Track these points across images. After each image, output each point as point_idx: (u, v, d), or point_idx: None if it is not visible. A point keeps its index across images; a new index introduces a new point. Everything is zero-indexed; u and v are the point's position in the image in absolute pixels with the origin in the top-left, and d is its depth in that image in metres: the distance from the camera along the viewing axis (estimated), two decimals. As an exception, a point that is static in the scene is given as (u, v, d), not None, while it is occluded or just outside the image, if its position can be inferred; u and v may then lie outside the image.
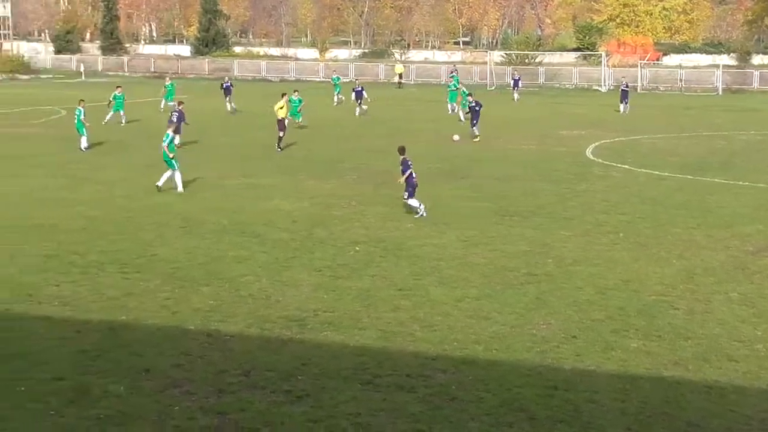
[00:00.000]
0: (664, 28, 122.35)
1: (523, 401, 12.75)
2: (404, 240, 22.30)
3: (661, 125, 51.58)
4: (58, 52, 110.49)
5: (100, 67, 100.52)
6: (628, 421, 12.24)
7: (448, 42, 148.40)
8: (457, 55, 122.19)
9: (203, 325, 15.88)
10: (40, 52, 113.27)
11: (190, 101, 55.79)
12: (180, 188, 28.22)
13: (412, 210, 25.02)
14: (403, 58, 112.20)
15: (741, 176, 32.76)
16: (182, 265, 19.72)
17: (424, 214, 24.67)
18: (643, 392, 13.15)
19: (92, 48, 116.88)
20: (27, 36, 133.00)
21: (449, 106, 55.59)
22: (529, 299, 17.51)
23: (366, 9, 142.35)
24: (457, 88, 55.06)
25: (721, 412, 12.59)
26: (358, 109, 55.04)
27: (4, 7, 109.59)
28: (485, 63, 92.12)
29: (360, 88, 56.46)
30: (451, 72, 73.58)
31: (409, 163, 25.04)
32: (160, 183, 28.24)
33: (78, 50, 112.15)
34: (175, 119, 37.38)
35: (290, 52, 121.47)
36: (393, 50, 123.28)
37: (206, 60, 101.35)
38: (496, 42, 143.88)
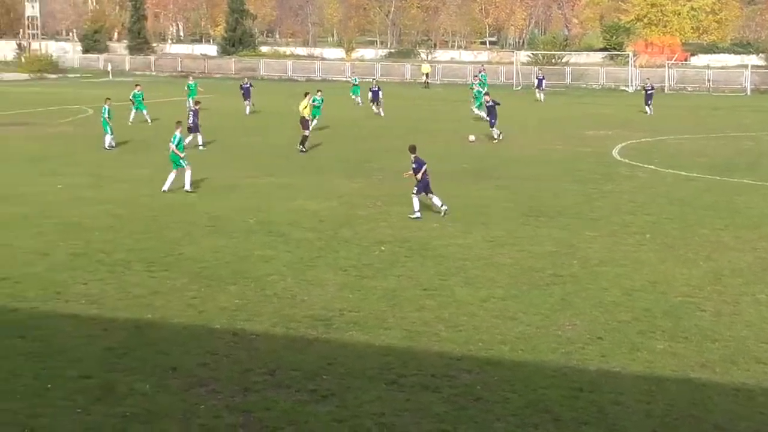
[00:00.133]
0: (692, 28, 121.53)
1: (549, 402, 12.72)
2: (429, 240, 22.30)
3: (689, 126, 51.21)
4: (85, 51, 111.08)
5: (127, 67, 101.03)
6: (653, 423, 12.18)
7: (475, 42, 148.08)
8: (483, 55, 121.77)
9: (229, 324, 15.95)
10: (68, 51, 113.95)
11: (216, 101, 56.15)
12: (188, 186, 28.07)
13: (412, 207, 24.73)
14: (429, 58, 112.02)
15: (769, 177, 32.53)
16: (209, 264, 19.81)
17: (420, 216, 24.47)
18: (669, 394, 13.08)
19: (119, 47, 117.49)
20: (55, 35, 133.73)
21: (474, 109, 52.00)
22: (554, 300, 17.47)
23: (392, 9, 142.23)
24: (482, 93, 49.25)
25: (749, 415, 12.50)
26: (375, 108, 54.81)
27: (33, 6, 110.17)
28: (512, 63, 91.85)
29: (377, 88, 56.10)
30: (479, 71, 69.87)
31: (423, 161, 24.97)
32: (165, 188, 28.05)
33: (105, 50, 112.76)
34: (190, 120, 37.63)
35: (316, 51, 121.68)
36: (419, 50, 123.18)
37: (233, 60, 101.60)
38: (523, 42, 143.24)
